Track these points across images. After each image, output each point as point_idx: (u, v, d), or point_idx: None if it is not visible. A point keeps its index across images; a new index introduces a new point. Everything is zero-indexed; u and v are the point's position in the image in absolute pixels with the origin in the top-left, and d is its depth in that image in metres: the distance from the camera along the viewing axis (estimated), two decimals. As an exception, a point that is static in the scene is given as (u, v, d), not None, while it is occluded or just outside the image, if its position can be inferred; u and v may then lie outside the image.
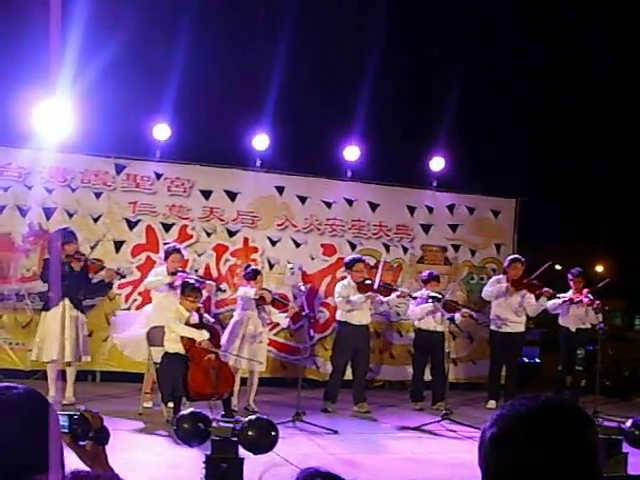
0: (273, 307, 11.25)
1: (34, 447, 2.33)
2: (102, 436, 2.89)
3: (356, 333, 11.56)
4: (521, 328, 12.84)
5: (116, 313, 12.29)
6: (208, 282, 11.57)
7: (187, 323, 10.03)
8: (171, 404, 9.76)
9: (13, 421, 2.32)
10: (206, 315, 10.72)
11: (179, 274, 10.89)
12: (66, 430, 2.83)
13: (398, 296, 11.95)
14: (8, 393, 2.39)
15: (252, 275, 11.29)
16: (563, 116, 16.65)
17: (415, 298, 12.19)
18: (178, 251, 11.17)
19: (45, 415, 2.38)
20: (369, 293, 11.49)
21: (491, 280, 13.29)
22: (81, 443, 2.85)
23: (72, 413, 2.87)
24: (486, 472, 1.99)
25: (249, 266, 11.89)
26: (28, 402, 2.37)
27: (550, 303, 13.07)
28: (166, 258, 11.06)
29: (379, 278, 11.70)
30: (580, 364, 13.33)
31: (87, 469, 2.69)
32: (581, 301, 13.02)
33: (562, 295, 13.16)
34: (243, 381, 11.20)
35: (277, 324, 12.29)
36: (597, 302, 12.98)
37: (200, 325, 10.09)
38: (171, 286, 10.82)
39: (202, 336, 9.92)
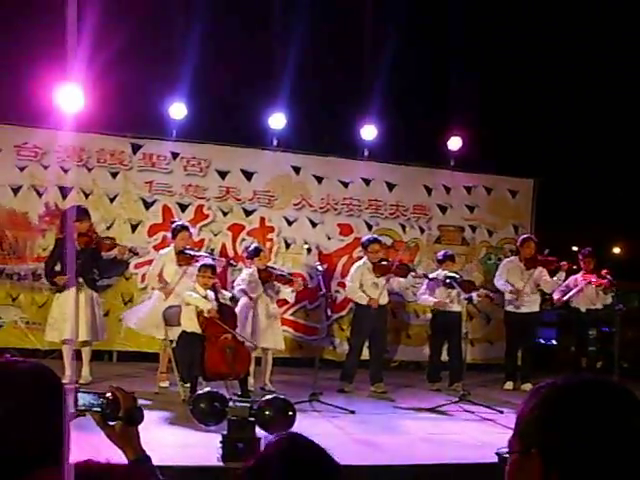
0: (277, 282, 11.20)
1: (39, 427, 2.26)
2: (134, 416, 2.79)
3: (373, 313, 11.52)
4: (536, 308, 12.79)
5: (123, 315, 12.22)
6: (218, 259, 11.57)
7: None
8: (188, 384, 9.75)
9: (15, 394, 2.26)
10: (223, 291, 10.69)
11: (196, 257, 10.89)
12: (96, 409, 2.78)
13: (414, 277, 11.92)
14: (13, 366, 2.34)
15: (254, 253, 11.24)
16: (582, 96, 16.52)
17: (431, 279, 12.13)
18: (186, 229, 11.12)
19: (53, 392, 2.32)
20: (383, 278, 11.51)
21: (503, 262, 13.25)
22: (111, 423, 2.78)
23: (102, 392, 2.81)
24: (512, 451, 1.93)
25: (248, 246, 11.88)
26: (34, 376, 2.32)
27: (556, 297, 13.13)
28: (174, 236, 11.02)
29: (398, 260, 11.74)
30: (593, 344, 13.34)
31: (113, 456, 2.62)
32: (590, 282, 13.05)
33: (571, 278, 13.19)
34: (257, 360, 11.18)
35: (286, 302, 12.27)
36: (604, 282, 12.99)
37: (217, 303, 10.06)
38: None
39: (207, 305, 9.86)
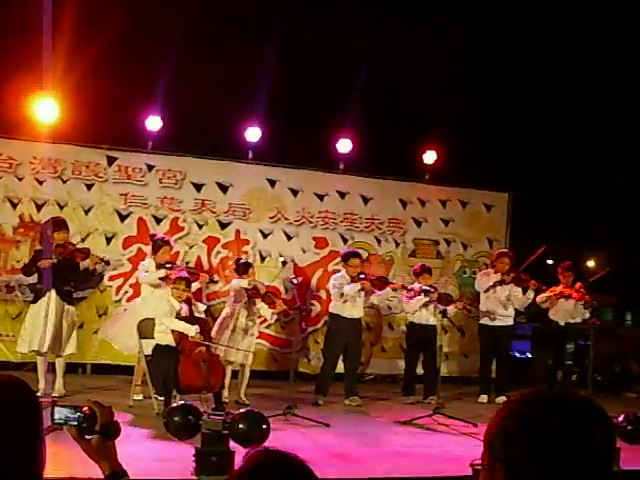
0: (263, 301, 11.18)
1: (14, 442, 2.24)
2: (110, 431, 2.77)
3: (348, 326, 11.54)
4: (510, 321, 12.83)
5: (102, 326, 12.15)
6: (201, 274, 11.54)
7: (178, 315, 9.97)
8: (162, 397, 9.71)
9: None
10: (198, 303, 10.65)
11: (176, 269, 10.83)
12: (73, 423, 2.76)
13: (392, 288, 11.93)
14: None
15: (244, 268, 11.23)
16: (557, 110, 16.60)
17: (410, 290, 12.14)
18: (168, 243, 11.11)
19: (28, 406, 2.30)
20: (364, 282, 11.49)
21: (480, 273, 13.33)
22: (87, 437, 2.76)
23: (79, 405, 2.79)
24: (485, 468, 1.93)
25: (240, 259, 11.82)
26: (7, 390, 2.30)
27: (539, 297, 13.06)
28: (156, 250, 10.96)
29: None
30: (570, 358, 13.36)
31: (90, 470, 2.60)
32: (570, 295, 13.06)
33: (552, 289, 13.17)
34: (234, 374, 11.14)
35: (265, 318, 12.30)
36: (587, 297, 13.01)
37: (191, 318, 10.03)
38: (163, 279, 10.75)
39: (193, 331, 9.85)
